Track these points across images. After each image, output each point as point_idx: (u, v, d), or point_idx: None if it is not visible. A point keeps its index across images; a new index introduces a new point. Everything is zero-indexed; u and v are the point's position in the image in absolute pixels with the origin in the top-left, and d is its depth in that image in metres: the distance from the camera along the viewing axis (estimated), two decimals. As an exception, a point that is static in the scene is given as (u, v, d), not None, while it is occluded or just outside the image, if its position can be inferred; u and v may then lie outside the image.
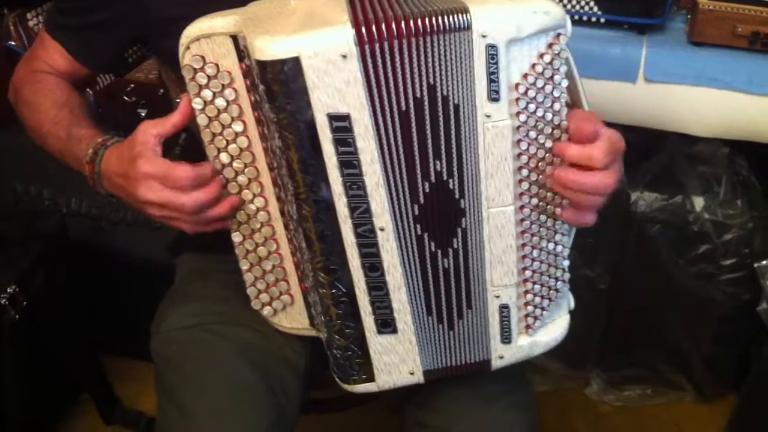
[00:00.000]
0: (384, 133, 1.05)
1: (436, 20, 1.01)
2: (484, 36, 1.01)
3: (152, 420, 2.17)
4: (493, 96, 1.04)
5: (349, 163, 1.05)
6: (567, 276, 1.22)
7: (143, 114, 2.24)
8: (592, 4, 1.93)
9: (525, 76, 1.05)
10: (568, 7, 1.94)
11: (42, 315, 1.96)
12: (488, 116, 1.06)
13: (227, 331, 1.33)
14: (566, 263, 1.21)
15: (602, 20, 1.95)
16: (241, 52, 1.08)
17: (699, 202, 2.08)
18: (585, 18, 1.95)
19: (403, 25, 1.01)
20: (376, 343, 1.19)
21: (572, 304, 1.27)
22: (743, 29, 1.81)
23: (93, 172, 1.24)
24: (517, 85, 1.05)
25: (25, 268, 1.95)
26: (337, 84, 1.00)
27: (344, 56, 0.99)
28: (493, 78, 1.03)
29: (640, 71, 1.89)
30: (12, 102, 1.42)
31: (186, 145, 1.45)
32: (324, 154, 1.04)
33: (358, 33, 0.99)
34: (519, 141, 1.08)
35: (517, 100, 1.06)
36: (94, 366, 2.21)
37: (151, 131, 1.14)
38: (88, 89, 2.14)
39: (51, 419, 2.22)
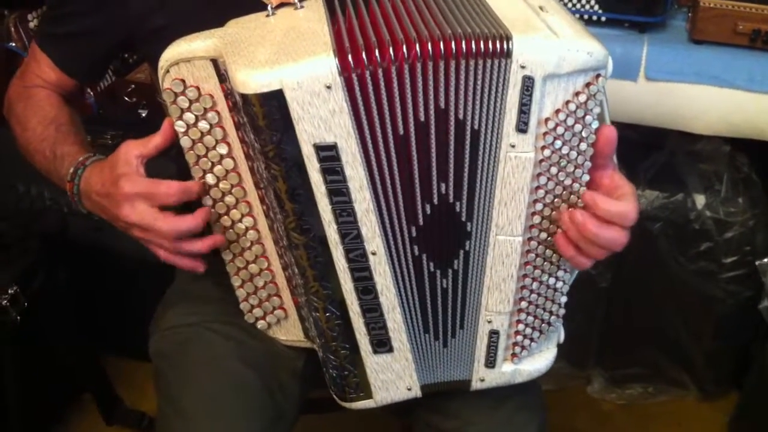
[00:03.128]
0: (375, 159, 1.03)
1: (475, 44, 0.98)
2: (523, 67, 0.98)
3: (153, 420, 2.18)
4: (521, 127, 1.02)
5: (338, 191, 1.04)
6: (562, 312, 1.21)
7: (144, 114, 2.24)
8: (593, 2, 1.91)
9: (557, 111, 1.02)
10: (569, 5, 1.93)
11: (42, 315, 1.97)
12: (513, 146, 1.03)
13: (225, 330, 1.34)
14: (563, 299, 1.20)
15: (603, 19, 1.93)
16: (222, 75, 1.06)
17: (700, 200, 2.07)
18: (585, 16, 1.94)
19: (405, 49, 0.97)
20: (373, 362, 1.19)
21: (562, 338, 1.27)
22: (744, 27, 1.80)
23: (72, 191, 1.24)
24: (546, 120, 1.03)
25: (26, 267, 1.96)
26: (322, 114, 0.98)
27: (328, 87, 0.97)
28: (524, 109, 1.01)
29: (641, 69, 1.88)
30: (6, 117, 1.42)
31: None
32: (312, 183, 1.03)
33: (342, 62, 0.96)
34: (539, 175, 1.06)
35: (545, 134, 1.03)
36: (95, 366, 2.21)
37: (134, 152, 1.14)
38: (88, 90, 2.16)
39: (52, 419, 2.23)
